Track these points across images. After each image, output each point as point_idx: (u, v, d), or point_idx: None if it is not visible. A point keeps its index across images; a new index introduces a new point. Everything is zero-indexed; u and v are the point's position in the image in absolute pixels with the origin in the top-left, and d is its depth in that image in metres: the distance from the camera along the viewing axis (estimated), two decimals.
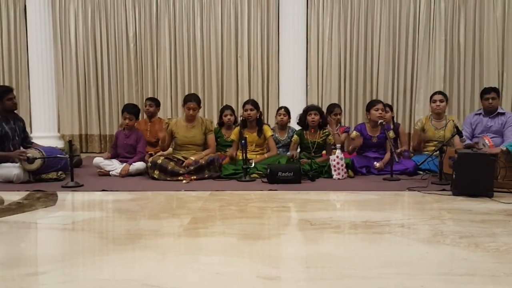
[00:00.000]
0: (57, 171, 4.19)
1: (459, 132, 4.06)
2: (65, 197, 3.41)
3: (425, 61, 6.56)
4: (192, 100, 4.37)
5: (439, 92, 4.97)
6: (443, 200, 3.25)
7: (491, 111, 4.85)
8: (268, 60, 6.80)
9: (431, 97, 4.92)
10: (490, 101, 4.79)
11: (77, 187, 3.79)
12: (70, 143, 3.93)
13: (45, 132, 6.34)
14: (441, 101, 4.80)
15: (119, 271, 1.76)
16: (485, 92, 4.91)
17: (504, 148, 3.69)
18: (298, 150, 4.78)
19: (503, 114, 4.89)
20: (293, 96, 6.18)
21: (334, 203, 3.36)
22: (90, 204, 3.27)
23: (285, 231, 2.44)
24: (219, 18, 6.77)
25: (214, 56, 6.81)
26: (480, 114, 4.98)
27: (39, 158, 3.96)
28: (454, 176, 3.42)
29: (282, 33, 6.54)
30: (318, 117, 4.55)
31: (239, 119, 4.79)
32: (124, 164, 4.47)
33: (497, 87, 5.21)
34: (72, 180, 3.86)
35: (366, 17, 6.61)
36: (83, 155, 5.83)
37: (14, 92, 4.35)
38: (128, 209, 3.02)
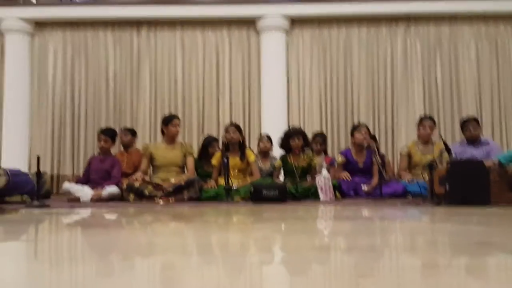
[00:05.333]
0: (22, 194, 3.86)
1: (448, 149, 3.94)
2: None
3: (404, 99, 6.63)
4: (177, 117, 4.32)
5: (430, 118, 4.88)
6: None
7: (474, 140, 4.81)
8: (249, 100, 6.76)
9: (419, 122, 4.85)
10: (472, 130, 4.78)
11: (43, 207, 3.46)
12: (38, 159, 3.63)
13: None
14: (430, 127, 4.73)
15: None
16: (465, 122, 4.92)
17: (496, 161, 3.57)
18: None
19: (487, 143, 4.86)
20: (274, 135, 6.07)
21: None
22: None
23: None
24: (200, 58, 6.79)
25: (195, 95, 6.74)
26: (463, 144, 4.94)
27: (2, 175, 3.64)
28: (447, 186, 3.26)
29: (263, 73, 6.62)
30: (301, 141, 4.41)
31: (221, 143, 4.61)
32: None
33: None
34: (37, 199, 3.53)
35: (345, 58, 6.73)
36: (53, 196, 5.44)
37: None
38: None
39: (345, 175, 4.40)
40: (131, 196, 3.90)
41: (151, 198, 3.91)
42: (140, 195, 3.92)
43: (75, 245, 1.70)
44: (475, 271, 1.13)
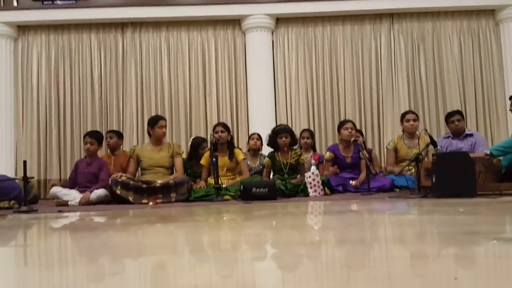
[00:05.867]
0: (10, 200, 3.82)
1: (433, 142, 3.99)
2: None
3: (389, 95, 6.68)
4: (163, 118, 4.26)
5: (412, 112, 4.99)
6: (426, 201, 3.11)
7: (459, 133, 4.89)
8: (237, 99, 6.76)
9: (402, 117, 4.91)
10: (456, 123, 4.85)
11: (31, 212, 3.42)
12: (25, 164, 3.59)
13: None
14: (414, 120, 4.80)
15: None
16: (450, 115, 4.98)
17: (488, 152, 3.61)
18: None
19: (471, 135, 4.94)
20: (262, 134, 6.09)
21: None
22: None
23: None
24: (186, 58, 6.76)
25: (182, 95, 6.71)
26: (449, 137, 5.01)
27: None
28: (434, 179, 3.31)
29: (249, 72, 6.62)
30: (289, 139, 4.44)
31: (209, 143, 4.59)
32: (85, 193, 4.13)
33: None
34: (25, 205, 3.49)
35: (330, 55, 6.77)
36: (40, 201, 5.38)
37: None
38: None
39: (333, 169, 4.44)
40: (118, 189, 3.90)
41: (137, 189, 3.90)
42: (125, 187, 3.91)
43: (65, 249, 1.69)
44: (464, 259, 1.15)
